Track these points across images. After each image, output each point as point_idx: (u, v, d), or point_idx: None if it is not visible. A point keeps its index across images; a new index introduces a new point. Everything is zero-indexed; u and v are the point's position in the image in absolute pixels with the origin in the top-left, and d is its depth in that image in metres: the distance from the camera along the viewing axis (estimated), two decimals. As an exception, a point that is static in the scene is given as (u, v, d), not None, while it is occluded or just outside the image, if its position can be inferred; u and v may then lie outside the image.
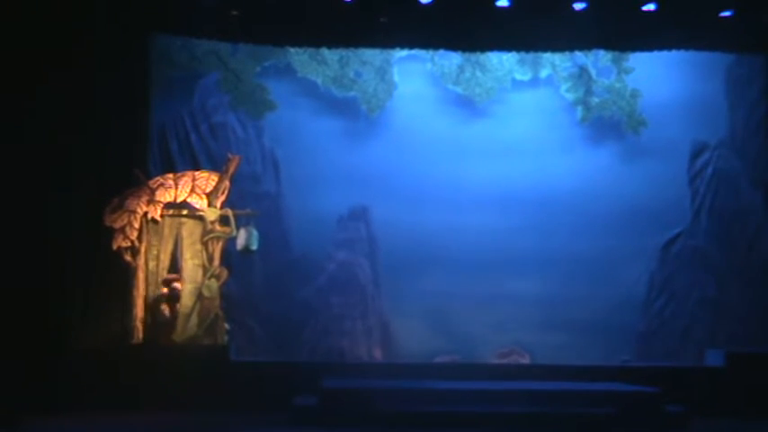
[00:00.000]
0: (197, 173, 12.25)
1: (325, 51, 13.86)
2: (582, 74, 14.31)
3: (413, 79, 14.36)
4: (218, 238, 11.94)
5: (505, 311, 13.86)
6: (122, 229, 11.57)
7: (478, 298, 13.90)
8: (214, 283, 11.84)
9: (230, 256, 12.32)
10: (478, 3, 12.10)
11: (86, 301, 11.53)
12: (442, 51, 13.93)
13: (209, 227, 11.89)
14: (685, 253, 14.06)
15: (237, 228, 12.05)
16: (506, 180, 14.17)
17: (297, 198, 14.02)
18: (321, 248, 14.04)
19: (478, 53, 13.98)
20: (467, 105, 14.36)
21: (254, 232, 12.16)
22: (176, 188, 11.96)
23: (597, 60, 14.24)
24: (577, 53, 14.08)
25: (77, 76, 11.59)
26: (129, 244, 11.63)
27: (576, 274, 13.93)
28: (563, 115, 14.44)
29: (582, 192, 14.14)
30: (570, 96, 14.38)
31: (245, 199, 12.99)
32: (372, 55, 14.07)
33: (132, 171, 11.87)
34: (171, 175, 12.16)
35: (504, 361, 13.36)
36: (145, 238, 11.74)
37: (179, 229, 11.93)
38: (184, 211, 12.01)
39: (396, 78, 14.25)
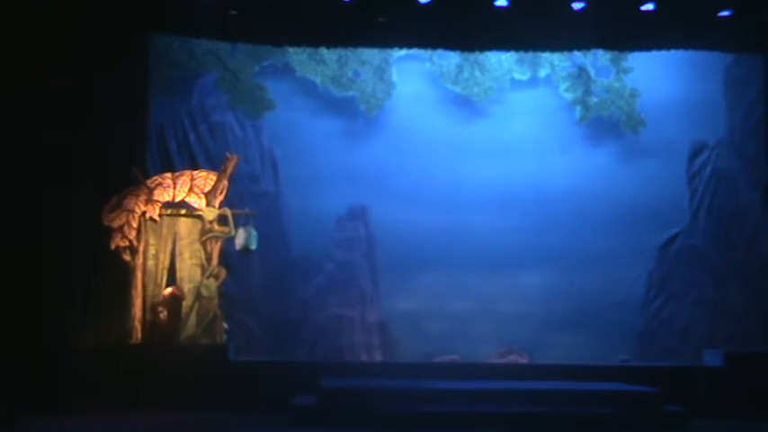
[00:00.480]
0: (195, 172, 12.24)
1: (323, 51, 13.85)
2: (581, 73, 14.32)
3: (411, 79, 14.36)
4: (216, 238, 11.95)
5: (505, 311, 13.88)
6: (121, 229, 11.57)
7: (477, 298, 13.92)
8: (213, 283, 11.85)
9: (229, 256, 12.33)
10: (477, 2, 12.09)
11: (86, 301, 11.52)
12: (440, 51, 13.92)
13: (208, 226, 11.90)
14: (684, 252, 14.07)
15: (236, 227, 12.06)
16: (505, 180, 14.18)
17: (295, 198, 14.03)
18: (320, 248, 14.04)
19: (477, 53, 13.97)
20: (465, 105, 14.36)
21: (253, 232, 12.17)
22: (175, 188, 11.95)
23: (596, 60, 14.25)
24: (576, 53, 14.08)
25: (77, 76, 11.58)
26: (127, 243, 11.63)
27: (575, 273, 13.94)
28: (562, 115, 14.45)
29: (581, 191, 14.15)
30: (569, 96, 14.39)
31: (244, 198, 13.00)
32: (371, 54, 14.07)
33: (131, 170, 11.87)
34: (169, 175, 12.16)
35: (503, 361, 13.36)
36: (143, 237, 11.73)
37: (177, 228, 11.93)
38: (183, 211, 12.02)
39: (394, 78, 14.26)
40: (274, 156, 14.20)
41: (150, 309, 11.59)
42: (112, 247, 11.53)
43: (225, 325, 11.98)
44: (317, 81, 14.14)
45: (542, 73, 14.37)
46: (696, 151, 14.31)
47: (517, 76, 14.36)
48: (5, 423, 8.98)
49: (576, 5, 12.04)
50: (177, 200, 11.99)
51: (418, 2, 11.92)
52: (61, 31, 11.56)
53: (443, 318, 13.88)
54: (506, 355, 13.61)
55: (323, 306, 13.87)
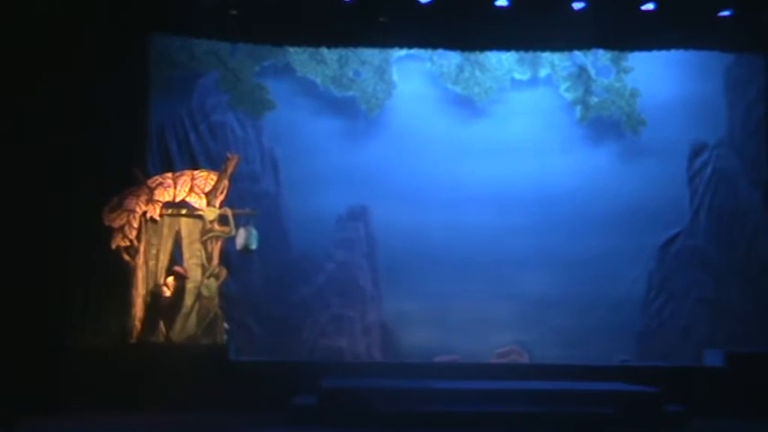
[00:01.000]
0: (196, 172, 12.25)
1: (324, 51, 13.87)
2: (581, 73, 14.32)
3: (412, 79, 14.37)
4: (217, 238, 11.95)
5: (505, 311, 13.88)
6: (121, 229, 11.57)
7: (477, 297, 13.91)
8: (213, 283, 11.85)
9: (229, 256, 12.33)
10: (477, 2, 12.10)
11: (86, 301, 11.53)
12: (441, 51, 13.93)
13: (208, 226, 11.90)
14: (684, 252, 14.07)
15: (236, 227, 12.06)
16: (505, 179, 14.19)
17: (296, 197, 14.03)
18: (320, 248, 14.04)
19: (477, 52, 13.99)
20: (466, 105, 14.37)
21: (254, 232, 12.18)
22: (175, 187, 11.96)
23: (596, 60, 14.26)
24: (576, 53, 14.10)
25: (77, 76, 11.60)
26: (127, 243, 11.63)
27: (575, 273, 13.95)
28: (562, 115, 14.45)
29: (581, 191, 14.16)
30: (569, 96, 14.39)
31: (245, 198, 13.01)
32: (371, 54, 14.08)
33: (131, 170, 11.87)
34: (170, 175, 12.17)
35: (504, 360, 13.36)
36: (144, 237, 11.74)
37: (178, 228, 11.94)
38: (183, 211, 12.02)
39: (395, 78, 14.27)
40: (275, 156, 14.21)
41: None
42: (113, 246, 11.53)
43: (225, 325, 11.99)
44: (318, 81, 14.15)
45: (543, 73, 14.38)
46: (696, 151, 14.30)
47: (517, 75, 14.36)
48: (5, 423, 8.99)
49: (577, 5, 12.05)
50: (178, 200, 12.00)
51: (418, 2, 11.92)
52: (61, 31, 11.58)
53: (443, 318, 13.87)
54: (507, 355, 13.62)
55: (323, 306, 13.87)
